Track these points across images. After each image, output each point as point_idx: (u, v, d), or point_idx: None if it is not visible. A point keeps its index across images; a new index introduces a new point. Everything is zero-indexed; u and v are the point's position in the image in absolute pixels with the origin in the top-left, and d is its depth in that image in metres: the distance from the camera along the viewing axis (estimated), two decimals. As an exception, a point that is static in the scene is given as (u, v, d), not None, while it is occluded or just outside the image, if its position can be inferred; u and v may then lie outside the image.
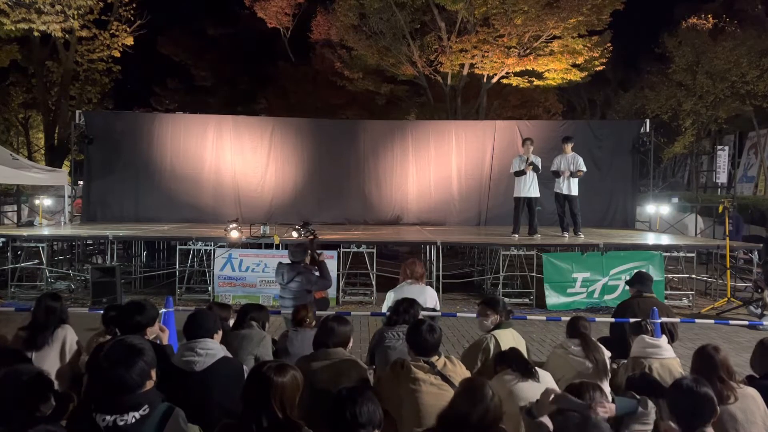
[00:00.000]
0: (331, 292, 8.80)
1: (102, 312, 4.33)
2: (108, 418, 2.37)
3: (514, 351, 3.51)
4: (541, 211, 13.88)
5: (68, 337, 4.03)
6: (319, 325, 3.67)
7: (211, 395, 3.08)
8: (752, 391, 3.18)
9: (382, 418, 2.37)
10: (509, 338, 4.10)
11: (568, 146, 10.60)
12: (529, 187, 10.34)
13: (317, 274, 6.30)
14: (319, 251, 6.76)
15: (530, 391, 3.14)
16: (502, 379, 3.29)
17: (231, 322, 4.41)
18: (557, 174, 10.60)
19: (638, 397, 2.84)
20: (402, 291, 5.30)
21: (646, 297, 5.46)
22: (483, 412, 2.42)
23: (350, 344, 3.69)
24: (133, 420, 2.39)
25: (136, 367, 2.45)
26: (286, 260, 6.39)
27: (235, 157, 13.87)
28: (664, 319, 5.19)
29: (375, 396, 2.46)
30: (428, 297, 5.36)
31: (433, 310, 5.38)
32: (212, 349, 3.25)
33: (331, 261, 9.57)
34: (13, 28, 14.01)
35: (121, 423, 2.37)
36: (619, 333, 5.02)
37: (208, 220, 13.06)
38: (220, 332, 3.57)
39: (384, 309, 5.60)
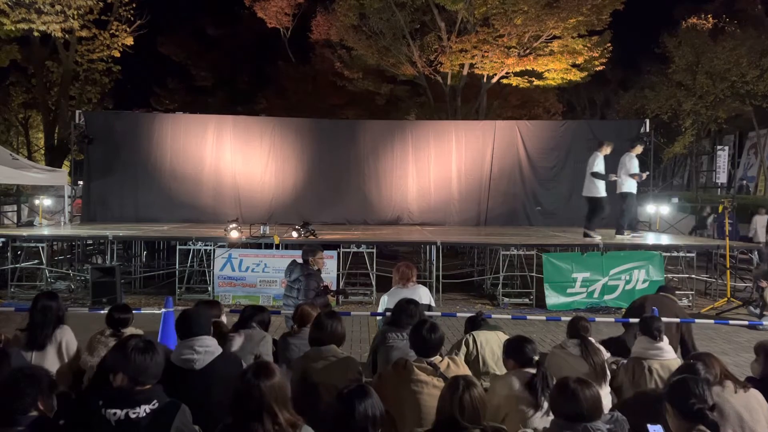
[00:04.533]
0: (331, 292, 8.80)
1: (106, 312, 4.33)
2: (119, 412, 2.43)
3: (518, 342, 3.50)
4: (541, 211, 13.97)
5: (66, 338, 4.01)
6: (313, 321, 3.69)
7: (212, 393, 3.09)
8: (755, 392, 3.22)
9: (385, 417, 2.38)
10: (493, 338, 4.23)
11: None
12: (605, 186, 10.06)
13: (322, 284, 6.24)
14: (334, 292, 6.65)
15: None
16: (505, 379, 3.29)
17: (223, 318, 4.40)
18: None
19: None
20: (395, 293, 5.28)
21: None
22: (458, 405, 2.47)
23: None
24: (144, 413, 2.47)
25: (156, 358, 2.61)
26: (301, 260, 6.38)
27: (235, 157, 13.88)
28: (664, 320, 5.20)
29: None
30: (422, 295, 5.36)
31: (429, 307, 5.37)
32: (210, 346, 3.26)
33: (331, 261, 9.60)
34: (13, 28, 14.03)
35: (133, 416, 2.45)
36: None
37: (208, 220, 13.06)
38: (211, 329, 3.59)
39: (379, 310, 5.61)
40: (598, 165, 9.95)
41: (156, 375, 2.63)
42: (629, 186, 10.13)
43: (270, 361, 3.32)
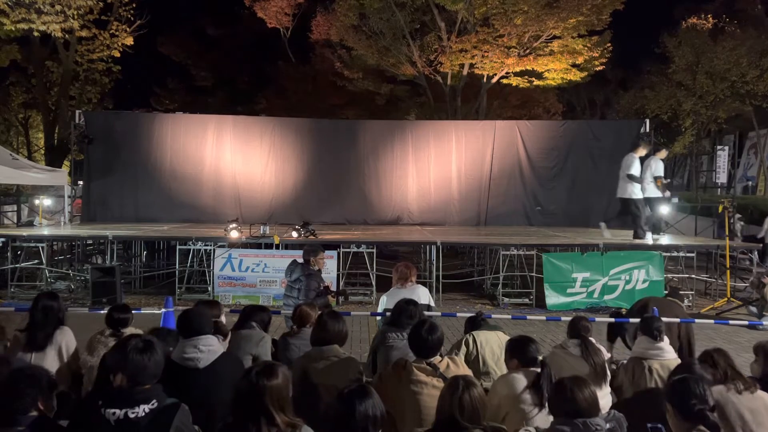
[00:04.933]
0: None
1: (106, 312, 4.33)
2: (118, 411, 2.43)
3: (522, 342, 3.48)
4: (541, 211, 13.98)
5: (66, 339, 3.99)
6: (315, 321, 3.69)
7: (215, 391, 3.10)
8: (763, 394, 3.23)
9: (385, 417, 2.38)
10: (493, 338, 4.22)
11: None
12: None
13: (323, 285, 6.23)
14: (334, 292, 6.66)
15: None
16: (507, 379, 3.29)
17: (223, 318, 4.40)
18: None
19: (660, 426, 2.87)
20: (394, 294, 5.28)
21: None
22: (458, 405, 2.47)
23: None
24: (143, 413, 2.47)
25: (154, 357, 2.60)
26: (301, 260, 6.36)
27: (235, 157, 13.87)
28: (665, 320, 5.19)
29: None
30: (421, 295, 5.37)
31: (428, 307, 5.37)
32: (213, 345, 3.28)
33: (331, 261, 9.60)
34: (13, 28, 14.03)
35: (132, 416, 2.44)
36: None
37: (208, 220, 13.06)
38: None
39: (379, 310, 5.60)
40: (635, 167, 9.91)
41: (155, 375, 2.62)
42: (653, 190, 10.13)
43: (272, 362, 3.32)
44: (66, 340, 3.99)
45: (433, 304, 5.66)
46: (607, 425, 2.64)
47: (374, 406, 2.31)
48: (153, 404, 2.50)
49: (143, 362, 2.58)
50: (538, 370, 3.23)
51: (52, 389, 2.66)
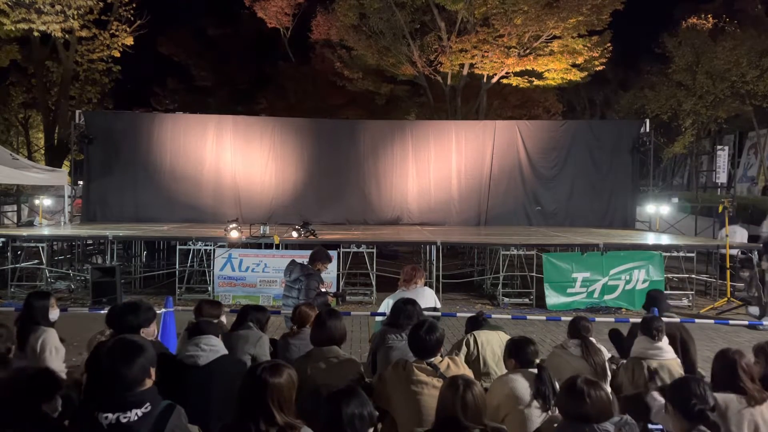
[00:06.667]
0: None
1: (106, 312, 4.32)
2: (110, 415, 2.39)
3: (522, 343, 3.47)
4: (541, 211, 14.00)
5: (44, 340, 3.87)
6: (314, 321, 3.69)
7: (213, 389, 3.13)
8: None
9: (376, 418, 2.38)
10: (494, 339, 4.21)
11: None
12: None
13: (322, 288, 6.22)
14: (333, 294, 6.63)
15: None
16: (506, 379, 3.29)
17: (223, 318, 4.41)
18: None
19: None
20: (399, 296, 5.28)
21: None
22: (461, 404, 2.47)
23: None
24: (136, 417, 2.41)
25: (135, 363, 2.47)
26: (300, 260, 6.34)
27: (235, 157, 13.89)
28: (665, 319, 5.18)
29: (369, 396, 2.47)
30: (427, 297, 5.37)
31: (434, 309, 5.38)
32: (215, 345, 3.32)
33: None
34: (13, 28, 14.02)
35: (124, 420, 2.40)
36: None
37: (208, 220, 13.07)
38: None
39: (380, 310, 5.60)
40: None
41: (140, 378, 2.50)
42: None
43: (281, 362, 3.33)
44: (44, 340, 3.86)
45: (439, 305, 5.67)
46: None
47: (361, 405, 2.31)
48: (146, 408, 2.44)
49: (122, 372, 2.45)
50: (536, 371, 3.23)
51: (55, 390, 2.65)
